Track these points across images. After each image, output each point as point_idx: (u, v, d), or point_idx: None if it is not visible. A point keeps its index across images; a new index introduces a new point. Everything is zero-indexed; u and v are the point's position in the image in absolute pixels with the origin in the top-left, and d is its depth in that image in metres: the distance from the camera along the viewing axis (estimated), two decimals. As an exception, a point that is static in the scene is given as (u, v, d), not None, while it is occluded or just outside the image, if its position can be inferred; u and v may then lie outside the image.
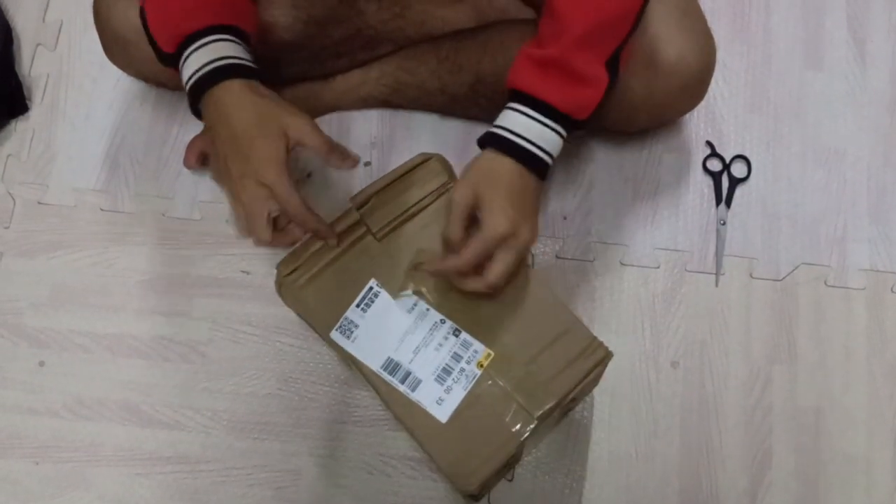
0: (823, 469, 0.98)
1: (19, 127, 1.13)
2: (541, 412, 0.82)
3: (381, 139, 1.10)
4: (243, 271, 1.05)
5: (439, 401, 0.83)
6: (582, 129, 0.84)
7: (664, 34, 0.89)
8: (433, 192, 0.89)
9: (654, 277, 1.05)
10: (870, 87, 1.13)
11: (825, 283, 1.05)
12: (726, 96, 1.12)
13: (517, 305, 0.85)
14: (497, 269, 0.80)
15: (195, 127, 1.09)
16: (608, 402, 1.00)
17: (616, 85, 0.83)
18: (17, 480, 0.99)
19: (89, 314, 1.05)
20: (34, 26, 1.18)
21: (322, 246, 0.87)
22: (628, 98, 0.90)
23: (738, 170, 1.09)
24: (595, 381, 0.90)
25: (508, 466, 0.88)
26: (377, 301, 0.86)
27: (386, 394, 0.84)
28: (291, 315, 1.03)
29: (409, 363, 0.84)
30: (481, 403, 0.83)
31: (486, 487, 0.86)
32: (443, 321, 0.85)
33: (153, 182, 1.10)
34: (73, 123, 1.13)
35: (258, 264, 1.05)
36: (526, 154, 0.81)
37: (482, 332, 0.85)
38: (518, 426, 0.82)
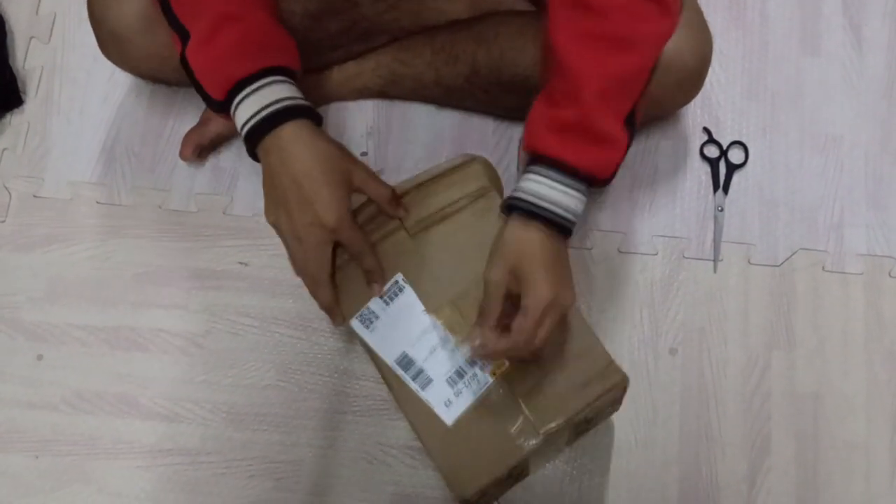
0: (822, 454, 0.98)
1: (14, 120, 1.13)
2: (546, 428, 0.80)
3: (377, 129, 1.10)
4: (241, 263, 1.05)
5: (448, 403, 0.82)
6: (602, 187, 0.81)
7: None
8: (470, 194, 0.87)
9: (652, 264, 1.05)
10: (867, 73, 1.12)
11: (823, 268, 1.05)
12: (723, 83, 1.12)
13: None
14: (542, 336, 0.78)
15: (191, 119, 1.09)
16: (607, 390, 1.00)
17: (633, 141, 0.80)
18: (17, 474, 0.99)
19: (87, 307, 1.04)
20: (28, 19, 1.17)
21: None
22: None
23: (736, 156, 1.09)
24: (615, 406, 0.89)
25: (513, 479, 0.87)
26: (401, 295, 0.85)
27: (396, 389, 0.83)
28: (290, 306, 1.03)
29: (424, 361, 0.83)
30: (489, 411, 0.82)
31: (486, 496, 0.85)
32: None
33: (149, 174, 1.09)
34: (68, 116, 1.13)
35: (255, 256, 1.05)
36: (553, 218, 0.78)
37: None
38: (522, 439, 0.81)
